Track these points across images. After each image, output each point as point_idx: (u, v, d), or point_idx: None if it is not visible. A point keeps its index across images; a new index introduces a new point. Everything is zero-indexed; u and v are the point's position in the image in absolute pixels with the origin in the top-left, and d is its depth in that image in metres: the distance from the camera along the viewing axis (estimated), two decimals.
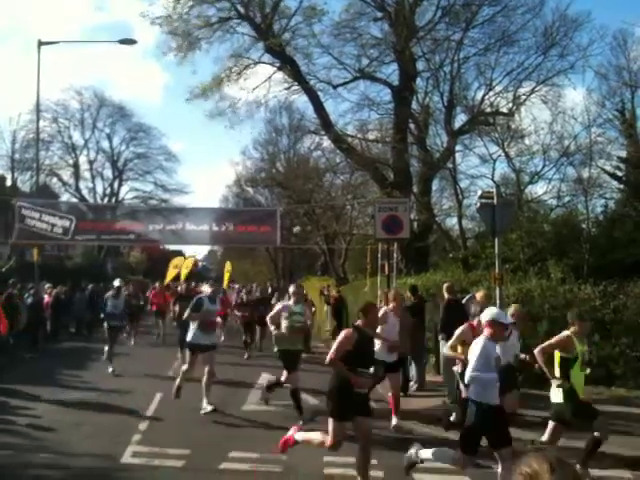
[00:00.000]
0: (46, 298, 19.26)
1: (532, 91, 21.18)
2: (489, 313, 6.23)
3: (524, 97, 21.24)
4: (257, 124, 58.78)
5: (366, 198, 27.27)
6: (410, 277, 17.23)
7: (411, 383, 11.95)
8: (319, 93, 22.89)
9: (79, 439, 7.98)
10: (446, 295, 11.23)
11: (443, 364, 11.05)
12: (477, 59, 21.38)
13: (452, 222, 25.92)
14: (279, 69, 22.95)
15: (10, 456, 7.21)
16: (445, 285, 11.58)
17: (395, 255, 16.60)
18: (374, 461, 7.33)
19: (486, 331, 6.06)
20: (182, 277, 22.18)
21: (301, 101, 55.38)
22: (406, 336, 11.33)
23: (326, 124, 22.84)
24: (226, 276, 25.65)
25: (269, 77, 23.23)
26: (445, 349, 7.72)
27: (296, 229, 42.92)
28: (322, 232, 35.81)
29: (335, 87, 22.79)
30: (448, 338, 10.64)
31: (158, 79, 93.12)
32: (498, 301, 10.78)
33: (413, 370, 12.20)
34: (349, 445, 7.95)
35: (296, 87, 23.11)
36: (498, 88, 21.32)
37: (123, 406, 10.15)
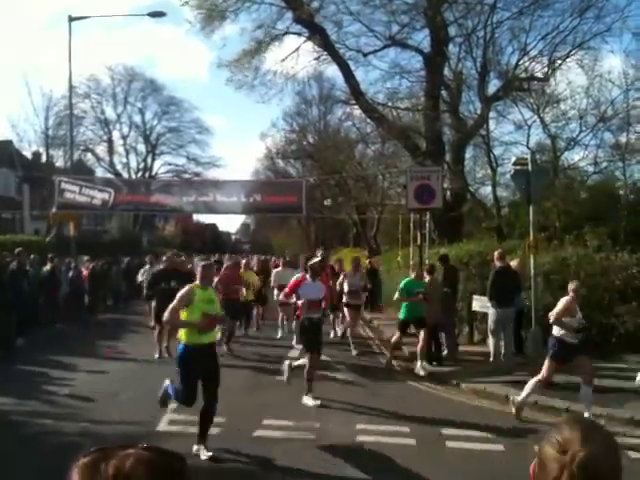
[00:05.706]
0: (84, 271, 19.62)
1: (568, 55, 20.54)
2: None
3: (560, 62, 20.62)
4: (286, 96, 58.36)
5: (398, 168, 27.01)
6: (443, 247, 17.07)
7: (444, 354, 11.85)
8: (349, 62, 22.64)
9: (116, 408, 8.16)
10: (497, 263, 11.03)
11: (491, 330, 10.96)
12: (511, 23, 20.72)
13: (486, 191, 25.54)
14: (308, 39, 22.70)
15: (50, 424, 7.42)
16: (496, 252, 11.30)
17: (427, 225, 16.47)
18: (406, 429, 7.37)
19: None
20: None
21: (331, 70, 54.96)
22: (437, 305, 11.31)
23: (356, 93, 22.59)
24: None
25: (298, 47, 23.05)
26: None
27: (327, 202, 42.76)
28: (354, 203, 35.68)
29: (365, 55, 22.48)
30: (497, 305, 10.61)
31: (204, 58, 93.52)
32: (532, 270, 10.64)
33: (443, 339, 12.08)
34: (380, 413, 8.01)
35: (325, 56, 22.89)
36: (533, 52, 20.75)
37: (159, 375, 10.30)
